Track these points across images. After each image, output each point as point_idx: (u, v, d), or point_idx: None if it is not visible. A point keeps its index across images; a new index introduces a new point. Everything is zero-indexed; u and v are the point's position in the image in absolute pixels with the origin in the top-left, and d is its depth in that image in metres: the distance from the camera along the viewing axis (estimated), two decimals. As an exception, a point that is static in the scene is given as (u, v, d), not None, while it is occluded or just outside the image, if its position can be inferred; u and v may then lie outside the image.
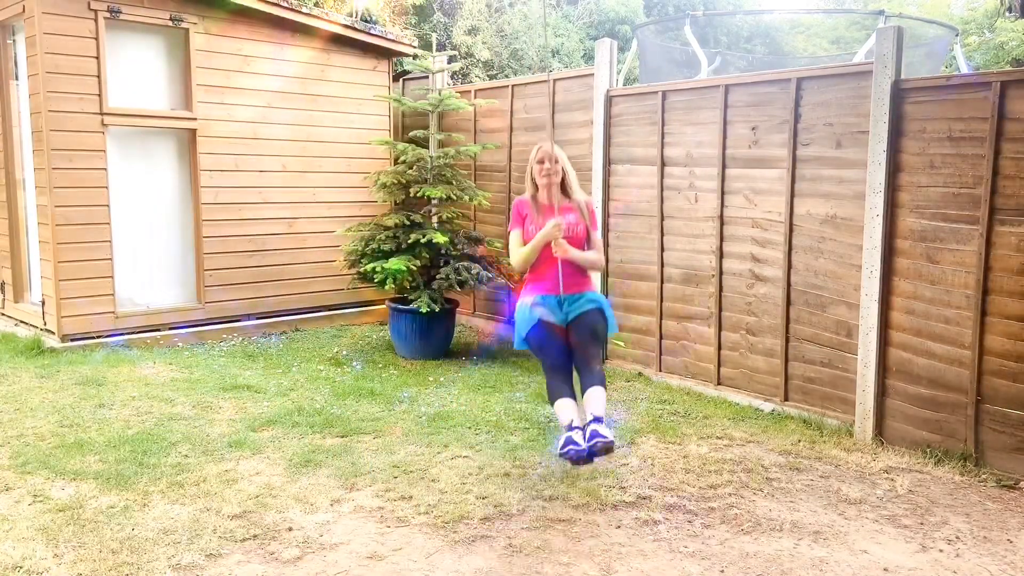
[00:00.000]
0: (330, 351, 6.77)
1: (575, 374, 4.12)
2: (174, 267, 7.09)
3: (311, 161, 7.62)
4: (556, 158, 4.21)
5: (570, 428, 3.79)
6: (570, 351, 4.12)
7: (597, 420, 3.76)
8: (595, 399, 3.87)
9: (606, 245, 6.38)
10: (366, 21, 9.37)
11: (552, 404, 4.03)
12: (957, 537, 3.55)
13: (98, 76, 6.39)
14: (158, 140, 6.94)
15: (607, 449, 3.69)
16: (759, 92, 5.35)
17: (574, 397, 4.00)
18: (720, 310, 5.66)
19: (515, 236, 4.24)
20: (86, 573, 3.05)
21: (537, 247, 4.12)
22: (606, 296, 4.47)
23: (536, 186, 4.27)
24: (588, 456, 3.69)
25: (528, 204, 4.26)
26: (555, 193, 4.21)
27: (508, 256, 4.70)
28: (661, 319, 6.04)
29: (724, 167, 5.55)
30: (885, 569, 3.26)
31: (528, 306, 4.14)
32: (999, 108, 4.15)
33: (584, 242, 4.24)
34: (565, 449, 3.69)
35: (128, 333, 6.67)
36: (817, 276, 5.11)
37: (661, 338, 6.05)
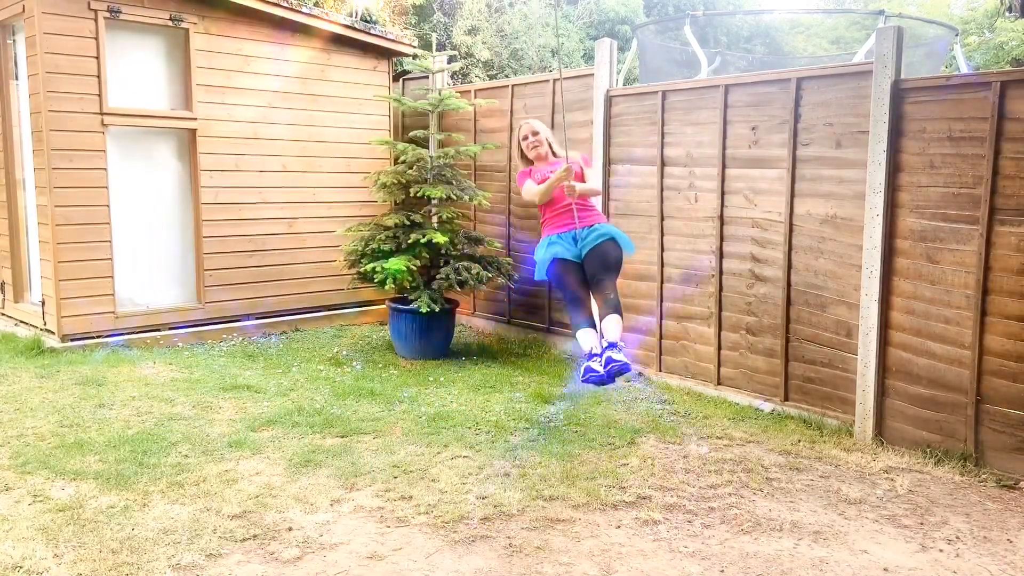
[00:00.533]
0: (330, 351, 6.77)
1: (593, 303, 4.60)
2: (174, 267, 7.09)
3: (311, 161, 7.62)
4: (537, 131, 4.92)
5: (589, 356, 4.25)
6: (587, 282, 4.58)
7: (612, 346, 4.20)
8: (610, 327, 4.31)
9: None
10: (366, 21, 9.37)
11: (575, 335, 4.52)
12: (957, 537, 3.55)
13: (98, 76, 6.39)
14: (158, 140, 6.94)
15: (622, 371, 4.12)
16: (759, 92, 5.35)
17: (594, 325, 4.43)
18: (720, 310, 5.66)
19: (528, 183, 4.83)
20: (86, 573, 3.05)
21: (552, 186, 4.63)
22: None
23: (527, 159, 4.96)
24: (608, 378, 4.12)
25: (530, 169, 4.94)
26: (547, 157, 4.94)
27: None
28: (661, 319, 6.04)
29: (724, 167, 5.55)
30: (885, 569, 3.26)
31: (546, 244, 4.69)
32: (999, 108, 4.15)
33: (581, 178, 4.84)
34: (586, 376, 4.15)
35: (128, 333, 6.67)
36: (817, 276, 5.11)
37: (661, 338, 6.05)
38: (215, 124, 7.02)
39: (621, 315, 4.40)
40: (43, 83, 6.17)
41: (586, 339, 4.39)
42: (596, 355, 4.25)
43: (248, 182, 7.25)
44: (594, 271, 4.54)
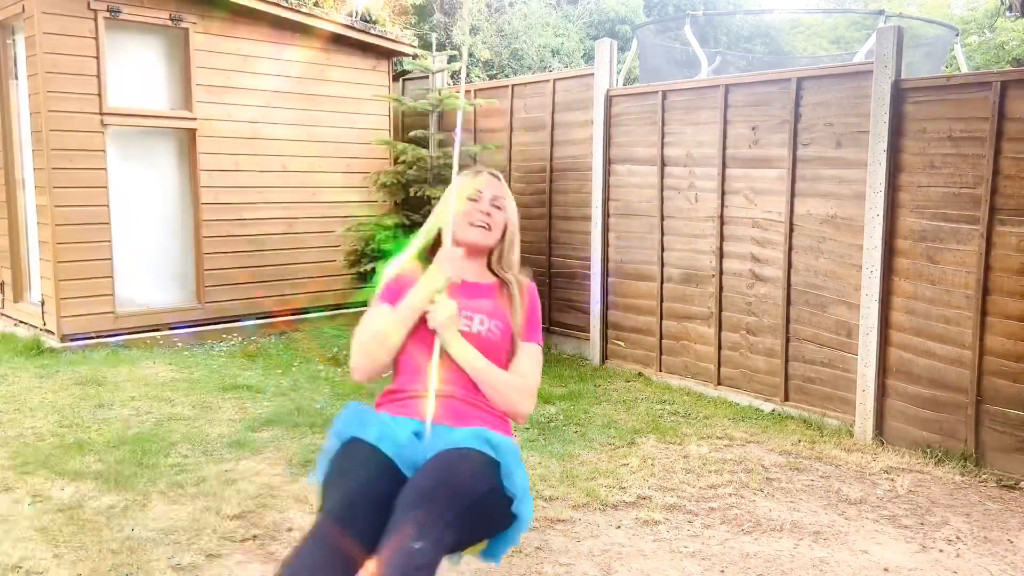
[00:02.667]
0: (330, 351, 6.77)
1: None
2: (174, 267, 7.08)
3: (311, 161, 7.61)
4: (500, 197, 2.48)
5: None
6: (387, 518, 1.91)
7: None
8: None
9: (605, 245, 6.36)
10: (366, 21, 9.36)
11: None
12: (957, 537, 3.55)
13: (98, 76, 6.38)
14: (158, 140, 6.93)
15: None
16: (759, 92, 5.35)
17: None
18: (720, 310, 5.65)
19: (373, 311, 2.42)
20: (86, 573, 3.05)
21: (402, 320, 2.27)
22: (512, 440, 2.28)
23: (438, 240, 2.41)
24: None
25: (418, 272, 2.37)
26: (474, 267, 2.41)
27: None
28: (661, 319, 6.04)
29: (724, 167, 5.55)
30: (885, 569, 3.25)
31: (360, 414, 2.22)
32: (999, 108, 4.15)
33: (502, 355, 2.33)
34: None
35: (128, 333, 6.66)
36: (817, 276, 5.11)
37: (661, 338, 6.05)
38: (215, 124, 7.01)
39: None
40: (43, 83, 6.17)
41: None
42: None
43: (248, 182, 7.25)
44: (416, 485, 1.96)
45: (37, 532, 3.36)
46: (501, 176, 2.55)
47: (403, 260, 2.44)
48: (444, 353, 2.22)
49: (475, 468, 2.01)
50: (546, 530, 3.51)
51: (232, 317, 7.19)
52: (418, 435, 2.13)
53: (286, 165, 7.46)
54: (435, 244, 2.43)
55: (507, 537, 2.14)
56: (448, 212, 2.36)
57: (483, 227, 2.40)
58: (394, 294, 2.34)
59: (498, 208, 2.44)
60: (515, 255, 2.46)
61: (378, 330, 2.26)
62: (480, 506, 1.98)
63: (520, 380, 2.30)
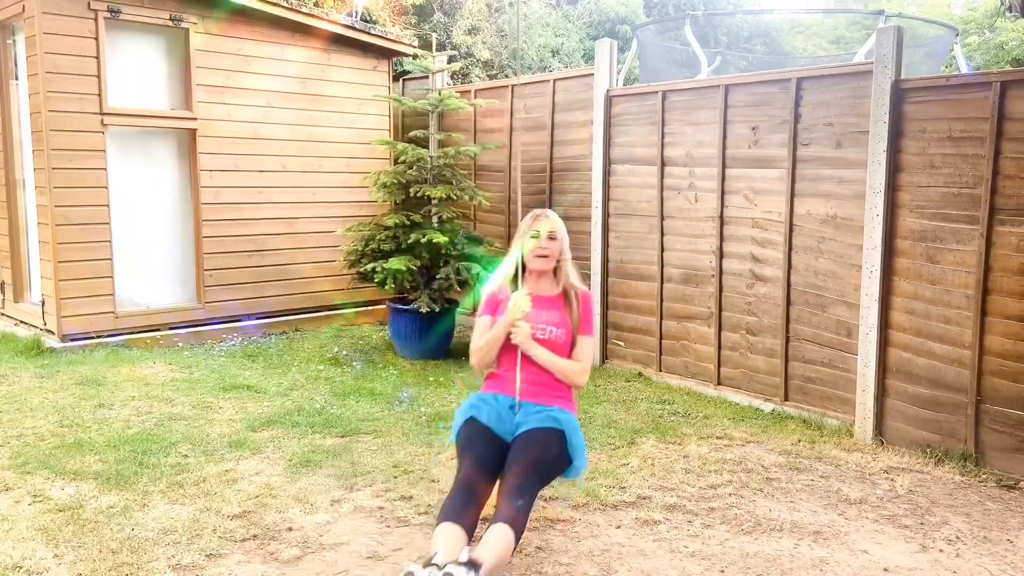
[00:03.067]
0: (330, 351, 6.77)
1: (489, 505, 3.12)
2: (174, 267, 7.09)
3: (311, 161, 7.62)
4: (555, 235, 3.38)
5: (430, 563, 2.62)
6: (496, 470, 3.10)
7: (469, 565, 2.59)
8: (490, 543, 2.76)
9: (605, 245, 6.38)
10: (366, 21, 9.36)
11: (439, 522, 2.86)
12: (957, 537, 3.55)
13: (98, 76, 6.39)
14: (158, 140, 6.94)
15: None
16: (759, 92, 5.35)
17: (467, 531, 2.85)
18: (720, 310, 5.66)
19: (480, 323, 3.40)
20: (86, 573, 3.05)
21: (497, 336, 3.29)
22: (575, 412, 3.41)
23: (517, 265, 3.39)
24: None
25: (505, 293, 3.41)
26: (544, 282, 3.42)
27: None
28: (661, 319, 6.04)
29: (724, 167, 5.55)
30: (885, 569, 3.25)
31: (473, 399, 3.35)
32: (999, 108, 4.15)
33: (567, 349, 3.35)
34: (404, 572, 2.62)
35: (128, 333, 6.66)
36: (817, 276, 5.11)
37: (661, 338, 6.05)
38: (215, 124, 7.02)
39: (517, 536, 2.83)
40: (43, 83, 6.17)
41: (440, 540, 2.76)
42: (436, 565, 2.59)
43: (248, 182, 7.25)
44: (519, 461, 3.07)
45: (37, 532, 3.36)
46: (554, 214, 3.46)
47: (495, 282, 3.49)
48: (524, 355, 3.32)
49: (548, 444, 3.16)
50: (546, 530, 3.51)
51: (232, 317, 7.19)
52: (511, 407, 3.28)
53: (286, 165, 7.47)
54: (515, 270, 3.40)
55: (572, 474, 3.33)
56: (520, 246, 3.39)
57: (544, 257, 3.38)
58: (492, 307, 3.41)
59: (553, 239, 3.38)
60: (570, 269, 3.45)
61: (486, 341, 3.35)
62: (552, 465, 3.19)
63: (577, 364, 3.35)
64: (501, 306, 3.35)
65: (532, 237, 3.34)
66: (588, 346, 3.38)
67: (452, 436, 3.35)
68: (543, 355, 3.30)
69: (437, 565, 2.60)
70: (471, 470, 3.06)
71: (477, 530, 2.99)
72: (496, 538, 2.78)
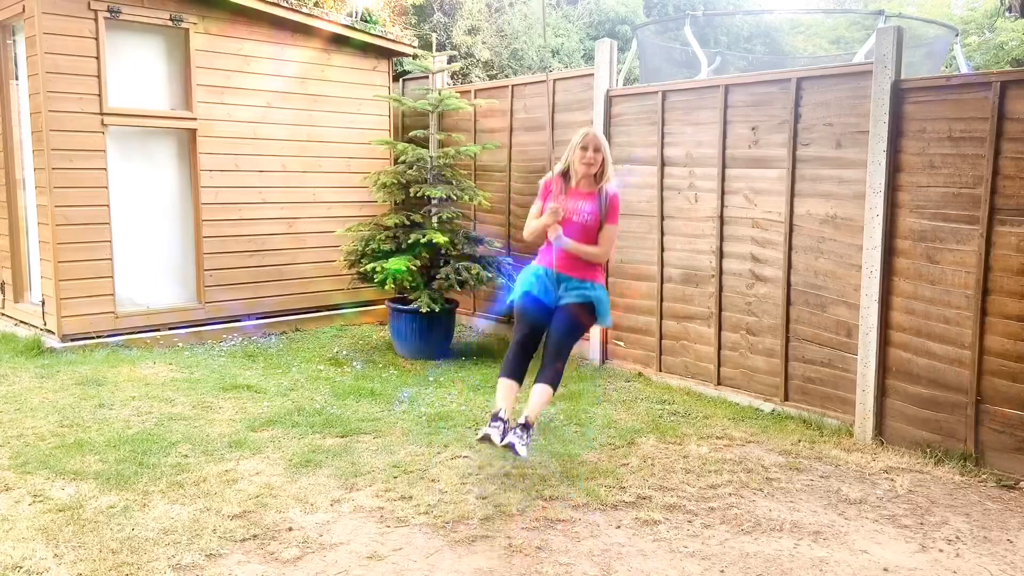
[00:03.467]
0: (330, 351, 6.77)
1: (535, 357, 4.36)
2: (174, 267, 7.09)
3: (311, 161, 7.62)
4: (599, 147, 4.31)
5: (495, 418, 3.98)
6: (543, 330, 4.30)
7: (523, 428, 3.97)
8: (534, 399, 4.11)
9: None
10: (366, 21, 9.37)
11: (501, 376, 4.21)
12: (957, 537, 3.55)
13: (98, 76, 6.39)
14: (158, 140, 6.94)
15: (515, 453, 3.90)
16: (759, 92, 5.35)
17: (519, 381, 4.22)
18: (720, 310, 5.66)
19: (533, 208, 4.46)
20: (86, 573, 3.05)
21: (538, 229, 4.37)
22: (606, 286, 4.53)
23: (567, 165, 4.38)
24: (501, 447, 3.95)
25: (559, 181, 4.40)
26: (586, 181, 4.36)
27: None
28: (661, 319, 6.04)
29: (724, 167, 5.55)
30: (885, 569, 3.26)
31: (528, 273, 4.41)
32: (999, 108, 4.15)
33: (595, 232, 4.32)
34: (481, 437, 3.97)
35: (128, 333, 6.67)
36: (817, 276, 5.11)
37: (661, 338, 6.05)
38: (215, 124, 7.02)
39: (555, 389, 4.18)
40: (43, 83, 6.17)
41: (501, 394, 4.11)
42: (501, 420, 3.97)
43: (248, 182, 7.25)
44: (557, 331, 4.26)
45: (37, 532, 3.36)
46: (600, 134, 4.40)
47: (550, 175, 4.44)
48: (559, 247, 4.30)
49: (582, 315, 4.31)
50: (546, 530, 3.51)
51: (232, 317, 7.20)
52: (556, 279, 4.31)
53: (286, 165, 7.47)
54: (564, 174, 4.40)
55: (601, 323, 4.52)
56: (569, 155, 4.37)
57: (588, 165, 4.31)
58: (544, 194, 4.41)
59: (597, 151, 4.30)
60: (609, 175, 4.37)
61: (531, 231, 4.41)
62: (584, 329, 4.43)
63: (597, 248, 4.34)
64: (550, 195, 4.36)
65: (581, 148, 4.29)
66: (610, 232, 4.37)
67: (513, 296, 4.45)
68: (571, 245, 4.28)
69: (502, 419, 3.97)
70: (525, 333, 4.28)
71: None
72: (538, 394, 4.13)
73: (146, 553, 3.21)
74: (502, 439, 3.89)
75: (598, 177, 4.35)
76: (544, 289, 4.31)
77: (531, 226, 4.41)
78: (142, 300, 6.90)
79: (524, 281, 4.37)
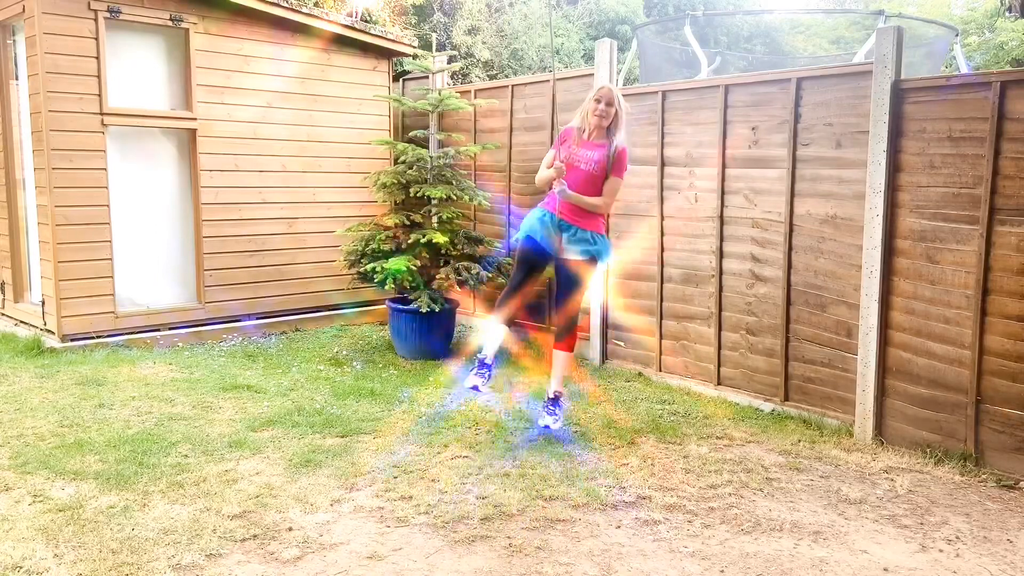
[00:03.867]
0: (330, 351, 6.77)
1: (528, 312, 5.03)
2: (174, 267, 7.09)
3: (311, 161, 7.62)
4: (613, 101, 4.56)
5: (481, 364, 4.56)
6: (539, 272, 4.77)
7: (553, 402, 4.60)
8: (557, 369, 4.65)
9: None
10: (366, 21, 9.37)
11: (493, 319, 4.68)
12: (957, 537, 3.55)
13: (98, 76, 6.39)
14: (158, 140, 6.94)
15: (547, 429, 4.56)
16: (759, 92, 5.35)
17: (509, 325, 4.74)
18: (720, 310, 5.66)
19: (547, 156, 4.72)
20: (86, 573, 3.05)
21: (545, 180, 4.64)
22: (607, 234, 4.83)
23: (583, 119, 4.63)
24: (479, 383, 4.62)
25: (572, 132, 4.66)
26: (598, 132, 4.60)
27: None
28: (661, 319, 6.04)
29: (724, 167, 5.55)
30: (885, 569, 3.26)
31: (537, 215, 4.64)
32: (999, 108, 4.15)
33: (599, 182, 4.56)
34: (470, 385, 4.54)
35: (128, 333, 6.67)
36: (817, 276, 5.11)
37: (661, 338, 6.05)
38: (215, 124, 7.02)
39: (572, 348, 4.66)
40: (43, 83, 6.17)
41: (489, 339, 4.66)
42: (488, 367, 4.60)
43: (248, 182, 7.25)
44: (562, 284, 4.64)
45: (37, 532, 3.36)
46: (614, 86, 4.93)
47: (570, 127, 4.69)
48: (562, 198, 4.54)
49: (586, 272, 4.60)
50: (546, 530, 3.51)
51: (232, 317, 7.20)
52: (559, 225, 4.55)
53: (286, 165, 7.47)
54: (581, 125, 4.65)
55: (602, 258, 4.67)
56: (584, 108, 4.64)
57: (601, 117, 4.55)
58: (560, 143, 4.66)
59: (609, 105, 4.54)
60: (621, 129, 4.59)
61: (540, 180, 4.69)
62: (587, 282, 4.65)
63: (600, 200, 4.58)
64: (564, 146, 4.61)
65: (595, 100, 4.56)
66: (613, 184, 4.60)
67: (519, 235, 4.70)
68: (574, 197, 4.50)
69: (488, 365, 4.60)
70: (522, 278, 4.62)
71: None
72: (560, 362, 4.61)
73: (146, 553, 3.21)
74: (487, 382, 4.60)
75: (611, 129, 4.58)
76: (547, 234, 4.56)
77: (540, 174, 4.70)
78: (142, 300, 6.90)
79: (528, 225, 4.62)
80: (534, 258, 4.63)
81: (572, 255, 4.58)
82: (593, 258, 4.59)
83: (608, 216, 4.72)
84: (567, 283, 4.62)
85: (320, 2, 11.41)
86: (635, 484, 4.02)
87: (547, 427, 4.52)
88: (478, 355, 4.70)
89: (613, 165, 4.55)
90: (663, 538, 3.47)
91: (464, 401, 5.39)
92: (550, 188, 4.62)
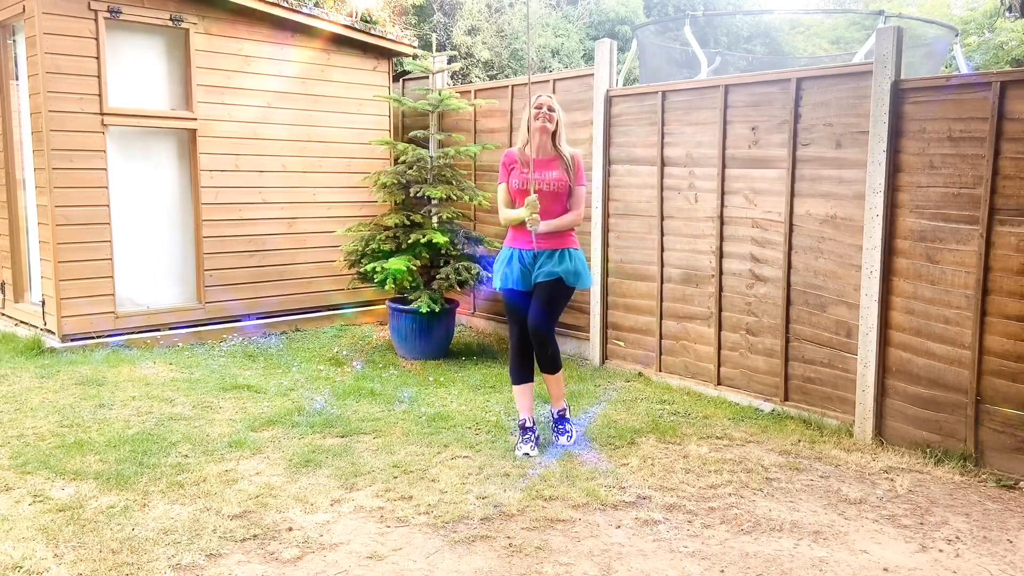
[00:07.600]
0: (330, 351, 6.77)
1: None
2: (174, 267, 7.09)
3: (311, 161, 7.62)
4: (552, 107, 4.49)
5: (524, 431, 4.45)
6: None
7: (560, 420, 4.60)
8: (552, 390, 4.59)
9: (606, 245, 6.39)
10: (366, 21, 9.36)
11: (513, 384, 4.57)
12: (957, 537, 3.55)
13: (98, 76, 6.39)
14: (158, 140, 6.94)
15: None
16: (759, 92, 5.35)
17: (531, 379, 4.56)
18: (720, 310, 5.66)
19: (501, 190, 4.56)
20: (86, 573, 3.05)
21: (514, 219, 4.46)
22: (578, 247, 4.60)
23: (527, 137, 4.51)
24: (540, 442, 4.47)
25: (514, 155, 4.54)
26: (545, 143, 4.49)
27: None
28: (661, 319, 6.04)
29: (724, 167, 5.55)
30: (885, 569, 3.26)
31: (503, 261, 4.53)
32: (999, 108, 4.15)
33: (566, 198, 4.48)
34: (521, 454, 4.34)
35: (128, 333, 6.67)
36: (817, 276, 5.11)
37: (661, 338, 6.05)
38: (215, 124, 7.02)
39: (559, 367, 4.53)
40: (43, 83, 6.17)
41: (521, 401, 4.53)
42: (531, 430, 4.45)
43: (248, 182, 7.26)
44: (535, 310, 4.41)
45: (37, 532, 3.37)
46: (551, 95, 4.69)
47: (512, 150, 4.58)
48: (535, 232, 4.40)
49: (560, 288, 4.42)
50: (546, 530, 3.51)
51: (232, 317, 7.20)
52: (531, 259, 4.42)
53: (286, 165, 7.47)
54: (526, 138, 4.53)
55: (581, 287, 4.54)
56: (525, 124, 4.53)
57: (546, 121, 4.45)
58: (506, 174, 4.54)
59: (551, 110, 4.48)
60: (562, 136, 4.52)
61: (507, 220, 4.50)
62: (562, 304, 4.51)
63: (572, 215, 4.49)
64: (515, 172, 4.49)
65: (536, 108, 4.45)
66: (579, 193, 4.53)
67: (495, 283, 4.56)
68: (553, 226, 4.40)
69: (530, 428, 4.46)
70: (520, 332, 4.48)
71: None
72: (553, 383, 4.55)
73: (146, 553, 3.21)
74: (536, 446, 4.39)
75: (555, 138, 4.49)
76: (522, 276, 4.44)
77: (508, 216, 4.50)
78: (142, 300, 6.91)
79: (502, 274, 4.50)
80: (519, 307, 4.47)
81: (541, 277, 4.42)
82: (563, 278, 4.41)
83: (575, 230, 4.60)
84: (537, 303, 4.41)
85: (320, 2, 11.41)
86: (635, 484, 4.03)
87: (563, 446, 4.49)
88: (518, 423, 4.56)
89: (575, 175, 4.51)
90: (663, 538, 3.47)
91: (464, 401, 5.39)
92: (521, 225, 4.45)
